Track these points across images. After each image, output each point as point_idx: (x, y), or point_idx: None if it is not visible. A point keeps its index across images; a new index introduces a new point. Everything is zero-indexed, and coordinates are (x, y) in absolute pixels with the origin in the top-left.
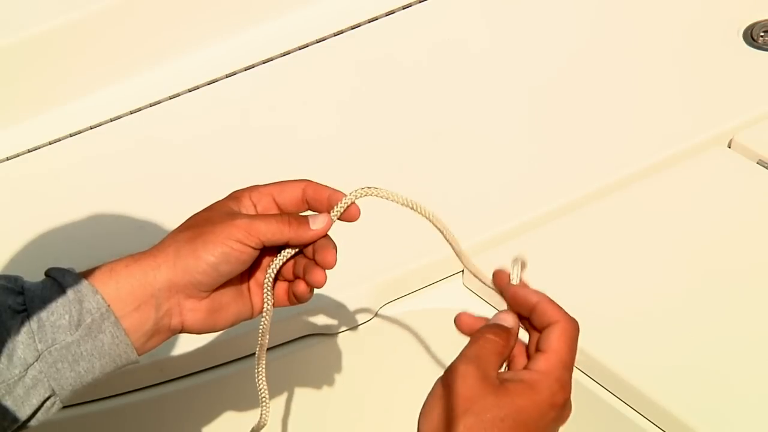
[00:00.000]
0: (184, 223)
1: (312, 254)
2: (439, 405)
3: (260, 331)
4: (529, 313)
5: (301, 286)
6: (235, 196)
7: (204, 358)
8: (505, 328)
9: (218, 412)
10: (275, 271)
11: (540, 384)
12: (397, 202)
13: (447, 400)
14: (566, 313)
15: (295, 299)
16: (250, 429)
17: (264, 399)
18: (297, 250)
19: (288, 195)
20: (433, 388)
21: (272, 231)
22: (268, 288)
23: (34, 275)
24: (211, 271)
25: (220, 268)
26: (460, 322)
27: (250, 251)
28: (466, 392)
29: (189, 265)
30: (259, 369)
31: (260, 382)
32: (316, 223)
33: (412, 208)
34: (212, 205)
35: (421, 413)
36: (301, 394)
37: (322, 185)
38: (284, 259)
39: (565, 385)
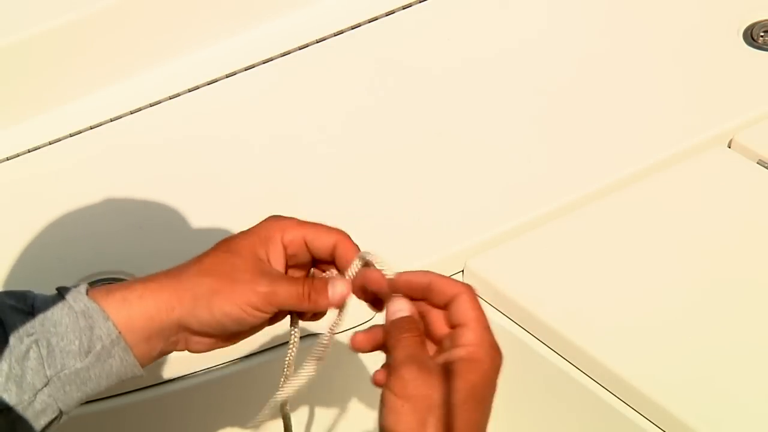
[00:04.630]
0: (209, 260)
1: None
2: (400, 417)
3: (286, 362)
4: (422, 293)
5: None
6: (266, 235)
7: (204, 358)
8: (408, 317)
9: (218, 413)
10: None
11: (479, 354)
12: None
13: (407, 407)
14: (462, 282)
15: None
16: None
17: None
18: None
19: (320, 243)
20: (383, 404)
21: (292, 303)
22: (295, 341)
23: (34, 275)
24: (219, 329)
25: (230, 328)
26: (356, 343)
27: (266, 317)
28: (422, 391)
29: (203, 317)
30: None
31: (285, 409)
32: (335, 292)
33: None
34: (240, 243)
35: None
36: (299, 394)
37: (355, 246)
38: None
39: (497, 347)
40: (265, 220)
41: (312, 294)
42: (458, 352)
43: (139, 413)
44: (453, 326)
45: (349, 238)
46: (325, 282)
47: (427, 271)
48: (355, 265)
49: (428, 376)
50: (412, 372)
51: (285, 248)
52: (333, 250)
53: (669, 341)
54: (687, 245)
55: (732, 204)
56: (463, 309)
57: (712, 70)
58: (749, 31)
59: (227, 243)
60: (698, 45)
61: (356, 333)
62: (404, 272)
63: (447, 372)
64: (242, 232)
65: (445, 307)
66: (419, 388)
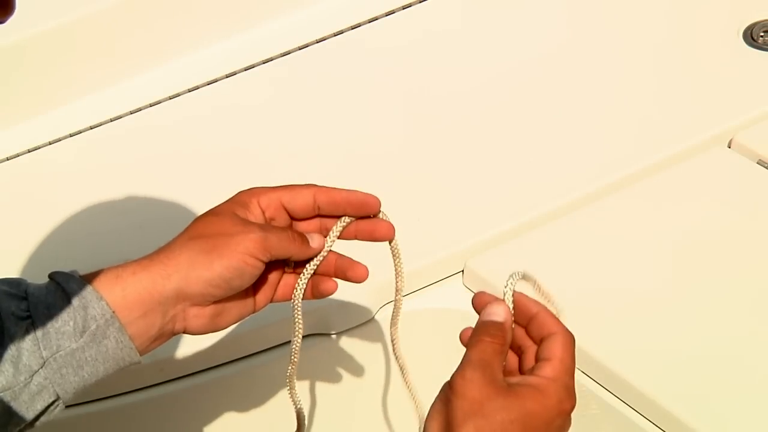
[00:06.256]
0: (193, 228)
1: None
2: (447, 408)
3: (292, 351)
4: (527, 322)
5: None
6: (243, 201)
7: (204, 358)
8: (499, 324)
9: (218, 412)
10: (302, 291)
11: (549, 389)
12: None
13: (455, 403)
14: (565, 325)
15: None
16: None
17: (302, 416)
18: (318, 262)
19: (299, 202)
20: (439, 393)
21: (283, 246)
22: (297, 309)
23: (34, 275)
24: (223, 285)
25: (233, 283)
26: (464, 337)
27: (261, 265)
28: (475, 395)
29: (202, 276)
30: (293, 392)
31: (296, 402)
32: (315, 241)
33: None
34: (219, 208)
35: (427, 417)
36: (300, 394)
37: (333, 188)
38: (309, 275)
39: (572, 394)
40: (237, 192)
41: (296, 239)
42: (530, 380)
43: (139, 413)
44: (538, 360)
45: (324, 186)
46: (305, 235)
47: (540, 303)
48: (338, 227)
49: (488, 384)
50: (475, 373)
51: (263, 212)
52: (314, 202)
53: (669, 341)
54: (687, 245)
55: (732, 204)
56: (554, 345)
57: (712, 71)
58: (749, 31)
59: (207, 212)
60: (698, 45)
61: (467, 328)
62: (521, 294)
63: (509, 391)
64: (217, 205)
65: (539, 341)
66: (473, 390)
